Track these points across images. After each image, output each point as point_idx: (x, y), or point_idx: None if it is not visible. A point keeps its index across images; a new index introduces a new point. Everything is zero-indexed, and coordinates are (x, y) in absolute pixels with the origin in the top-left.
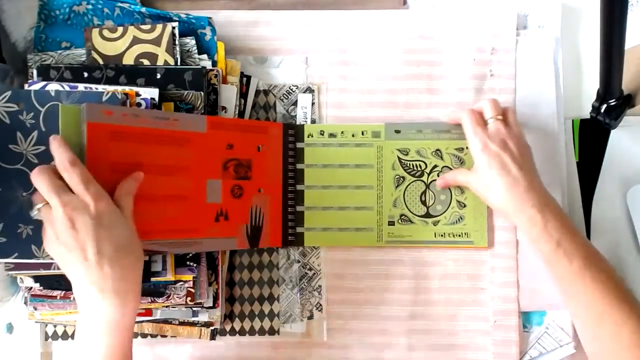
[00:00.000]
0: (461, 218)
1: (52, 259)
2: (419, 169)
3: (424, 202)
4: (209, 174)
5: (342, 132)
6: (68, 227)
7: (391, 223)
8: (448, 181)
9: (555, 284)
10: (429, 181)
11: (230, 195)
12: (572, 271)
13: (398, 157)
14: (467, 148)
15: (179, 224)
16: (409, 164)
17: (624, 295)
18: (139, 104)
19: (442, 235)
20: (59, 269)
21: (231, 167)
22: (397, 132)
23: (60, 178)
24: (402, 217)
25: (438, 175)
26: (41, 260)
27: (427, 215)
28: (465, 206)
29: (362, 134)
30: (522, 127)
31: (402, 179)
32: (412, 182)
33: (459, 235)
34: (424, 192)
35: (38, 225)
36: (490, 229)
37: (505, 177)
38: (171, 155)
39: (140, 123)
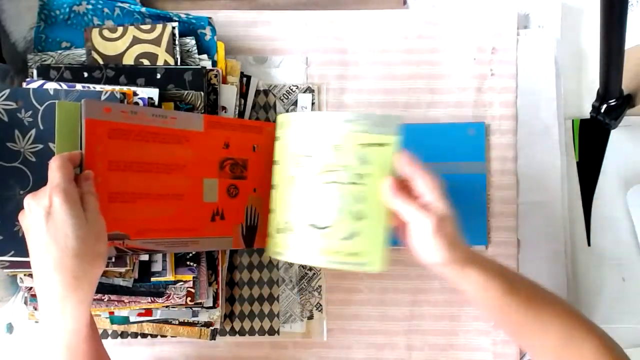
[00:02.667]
0: (355, 233)
1: None
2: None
3: (312, 208)
4: (205, 173)
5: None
6: (27, 233)
7: (280, 230)
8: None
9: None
10: (320, 182)
11: (226, 194)
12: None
13: (293, 152)
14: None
15: (175, 223)
16: (302, 161)
17: (574, 313)
18: (136, 104)
19: (331, 253)
20: None
21: (227, 167)
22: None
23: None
24: (287, 224)
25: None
26: None
27: (314, 225)
28: (363, 219)
29: None
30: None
31: (294, 178)
32: (302, 182)
33: (350, 255)
34: (314, 196)
35: None
36: (489, 230)
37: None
38: (169, 154)
39: (138, 120)
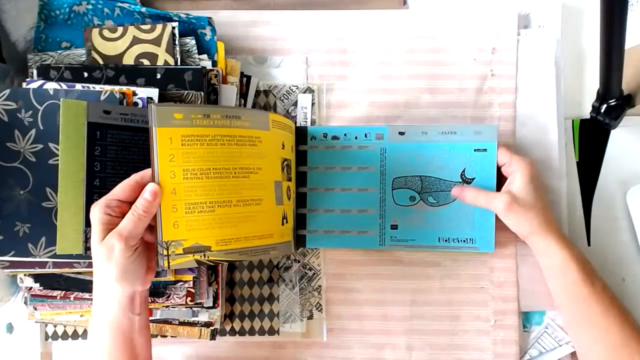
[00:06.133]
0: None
1: (48, 257)
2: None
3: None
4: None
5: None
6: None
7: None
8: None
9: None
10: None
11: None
12: (573, 282)
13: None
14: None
15: (255, 230)
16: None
17: (611, 301)
18: (135, 104)
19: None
20: (54, 267)
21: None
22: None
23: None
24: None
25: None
26: (37, 259)
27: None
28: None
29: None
30: None
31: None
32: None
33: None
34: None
35: (35, 223)
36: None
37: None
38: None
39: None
